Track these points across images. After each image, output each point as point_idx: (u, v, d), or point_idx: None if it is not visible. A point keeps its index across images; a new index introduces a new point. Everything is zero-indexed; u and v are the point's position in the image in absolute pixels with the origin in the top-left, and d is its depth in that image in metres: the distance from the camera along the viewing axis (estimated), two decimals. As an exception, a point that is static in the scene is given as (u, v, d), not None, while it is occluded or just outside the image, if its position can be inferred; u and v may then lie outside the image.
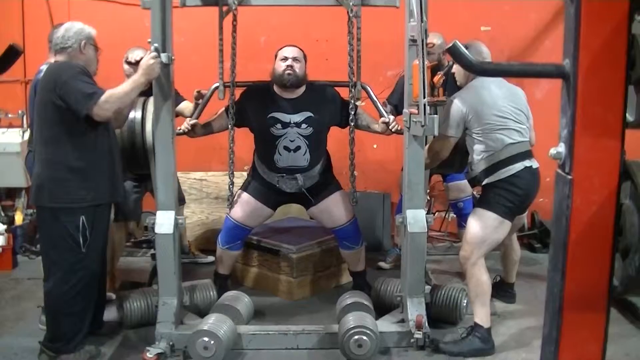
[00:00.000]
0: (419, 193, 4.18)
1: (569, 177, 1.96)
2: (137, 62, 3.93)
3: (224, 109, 4.67)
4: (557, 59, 2.08)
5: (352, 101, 4.47)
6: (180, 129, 4.48)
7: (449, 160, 4.53)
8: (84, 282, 3.78)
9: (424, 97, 3.42)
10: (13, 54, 2.57)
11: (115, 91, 3.63)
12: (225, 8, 4.37)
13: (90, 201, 3.74)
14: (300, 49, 4.67)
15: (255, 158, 4.88)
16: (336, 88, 4.77)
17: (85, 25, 3.89)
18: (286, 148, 4.60)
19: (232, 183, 4.63)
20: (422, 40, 3.45)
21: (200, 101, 4.72)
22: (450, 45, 2.08)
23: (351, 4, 4.22)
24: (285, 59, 4.57)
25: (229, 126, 4.54)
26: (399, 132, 4.42)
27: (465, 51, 2.08)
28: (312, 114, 4.60)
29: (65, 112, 3.61)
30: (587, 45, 1.89)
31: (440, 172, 5.29)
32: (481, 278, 3.99)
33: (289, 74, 4.54)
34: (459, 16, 6.24)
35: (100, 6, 6.38)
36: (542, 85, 6.43)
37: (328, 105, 4.70)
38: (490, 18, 6.42)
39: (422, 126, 3.47)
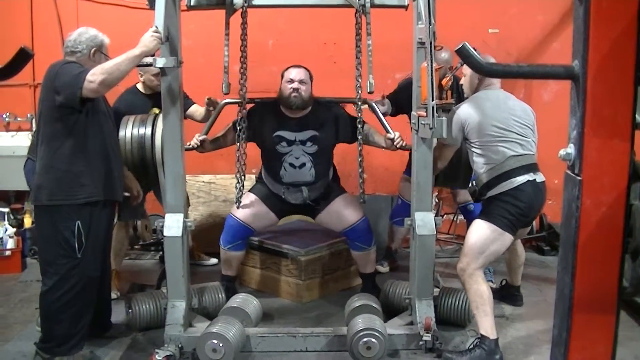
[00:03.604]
0: (428, 195, 4.17)
1: (579, 178, 1.96)
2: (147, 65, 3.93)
3: (231, 123, 4.72)
4: (566, 60, 2.08)
5: (359, 116, 4.45)
6: (189, 145, 4.55)
7: (454, 174, 4.57)
8: (79, 287, 3.77)
9: (433, 100, 3.41)
10: (24, 56, 2.59)
11: (105, 63, 3.61)
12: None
13: (86, 197, 3.72)
14: (307, 70, 4.71)
15: (263, 169, 4.97)
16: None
17: (100, 32, 3.89)
18: (291, 165, 4.70)
19: (242, 185, 4.61)
20: (431, 43, 3.45)
21: (212, 108, 4.81)
22: (460, 46, 2.09)
23: (359, 3, 4.19)
24: (292, 81, 4.62)
25: (237, 139, 4.53)
26: (404, 148, 4.48)
27: (475, 52, 2.08)
28: (317, 133, 4.69)
29: (61, 109, 3.62)
30: (596, 46, 1.89)
31: (447, 186, 5.30)
32: (480, 288, 3.92)
33: (295, 96, 4.60)
34: (467, 18, 6.24)
35: (108, 9, 6.41)
36: (551, 87, 6.43)
37: (334, 124, 4.77)
38: (498, 20, 6.42)
39: (431, 129, 3.47)
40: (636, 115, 1.93)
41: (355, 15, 4.24)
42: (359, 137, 4.45)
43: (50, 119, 3.69)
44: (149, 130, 4.45)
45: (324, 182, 4.87)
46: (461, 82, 4.40)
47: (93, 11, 6.41)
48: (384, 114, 4.82)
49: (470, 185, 4.24)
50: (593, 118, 1.92)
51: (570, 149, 2.01)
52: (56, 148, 3.69)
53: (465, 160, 4.45)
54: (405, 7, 4.20)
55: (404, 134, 4.54)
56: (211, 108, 4.93)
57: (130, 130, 4.46)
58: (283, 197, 4.81)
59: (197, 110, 5.34)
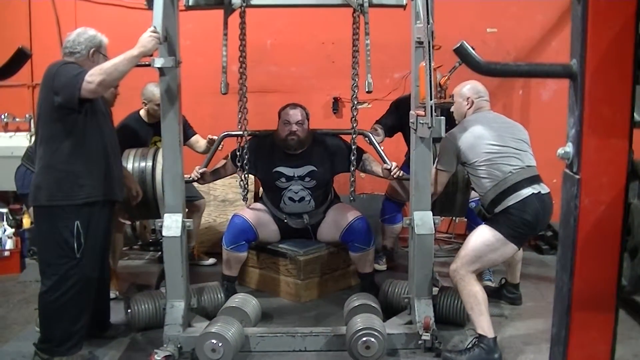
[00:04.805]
0: (426, 194, 4.17)
1: (577, 176, 1.95)
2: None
3: (229, 155, 4.79)
4: (564, 59, 2.08)
5: (355, 146, 4.44)
6: (190, 177, 4.59)
7: (450, 203, 4.59)
8: (78, 287, 3.76)
9: (431, 99, 3.41)
10: (22, 56, 2.58)
11: (103, 64, 3.60)
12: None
13: (85, 198, 3.72)
14: (303, 108, 4.78)
15: (264, 195, 5.09)
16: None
17: (99, 33, 3.89)
18: (291, 199, 4.83)
19: (247, 184, 4.61)
20: (429, 42, 3.45)
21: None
22: (458, 45, 2.08)
23: (357, 3, 4.18)
24: (288, 123, 4.69)
25: (237, 171, 4.60)
26: (401, 177, 4.51)
27: (472, 51, 2.08)
28: (315, 168, 4.78)
29: (59, 110, 3.61)
30: (594, 45, 1.89)
31: (444, 216, 5.33)
32: (473, 289, 3.91)
33: (292, 139, 4.70)
34: (465, 18, 6.25)
35: (106, 9, 6.41)
36: (549, 86, 6.44)
37: (332, 157, 4.84)
38: (496, 19, 6.42)
39: (429, 128, 3.47)
40: (634, 114, 1.93)
41: (353, 15, 4.23)
42: (354, 165, 4.47)
43: (49, 119, 3.68)
44: (149, 164, 4.51)
45: (324, 207, 5.00)
46: (451, 109, 4.40)
47: (91, 11, 6.41)
48: (380, 143, 4.85)
49: (475, 205, 4.25)
50: (591, 117, 1.92)
51: (569, 148, 2.00)
52: (55, 148, 3.68)
53: (461, 188, 4.48)
54: (404, 7, 4.20)
55: (401, 149, 4.55)
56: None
57: (131, 164, 4.52)
58: (284, 221, 4.95)
59: (198, 141, 5.42)
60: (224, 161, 4.87)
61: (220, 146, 4.84)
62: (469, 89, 4.26)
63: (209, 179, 4.84)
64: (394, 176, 4.50)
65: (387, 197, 5.65)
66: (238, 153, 4.47)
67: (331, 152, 4.84)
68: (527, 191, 3.89)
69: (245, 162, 4.46)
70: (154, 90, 5.03)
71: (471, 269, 3.94)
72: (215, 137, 4.94)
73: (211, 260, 5.91)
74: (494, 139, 4.01)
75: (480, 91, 4.27)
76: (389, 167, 4.49)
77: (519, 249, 4.16)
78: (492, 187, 3.97)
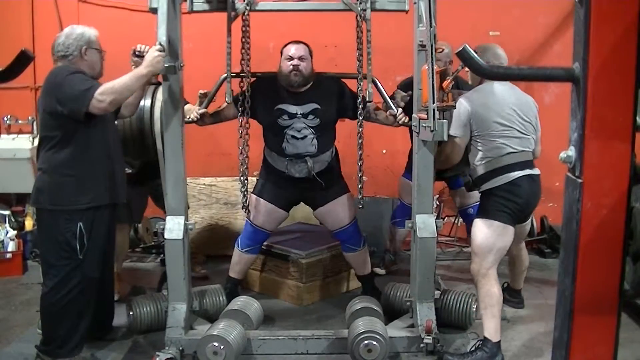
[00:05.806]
0: (429, 198, 4.17)
1: (579, 180, 1.95)
2: (142, 56, 3.88)
3: (232, 98, 4.57)
4: (566, 63, 2.08)
5: (361, 95, 4.38)
6: (189, 118, 4.44)
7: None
8: (80, 288, 3.78)
9: (434, 102, 3.41)
10: (24, 59, 2.59)
11: (114, 83, 3.59)
12: (233, 13, 4.32)
13: (89, 203, 3.74)
14: (306, 45, 4.62)
15: (265, 149, 4.85)
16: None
17: (86, 28, 3.87)
18: (293, 137, 4.59)
19: (246, 189, 4.55)
20: (431, 45, 3.45)
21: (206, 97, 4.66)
22: (460, 49, 2.08)
23: (360, 8, 4.19)
24: (291, 58, 4.52)
25: (238, 116, 4.45)
26: (406, 124, 4.41)
27: (475, 55, 2.07)
28: (318, 106, 4.59)
29: (62, 117, 3.62)
30: (596, 48, 1.89)
31: (447, 174, 5.29)
32: (491, 289, 3.94)
33: (295, 74, 4.50)
34: (468, 21, 6.24)
35: (109, 12, 6.41)
36: (552, 90, 6.43)
37: (335, 98, 4.67)
38: (499, 23, 6.41)
39: (432, 131, 3.47)
40: (636, 118, 1.93)
41: (356, 18, 4.23)
42: (360, 117, 4.41)
43: (51, 124, 3.69)
44: (147, 102, 4.43)
45: (327, 156, 4.76)
46: (466, 69, 4.36)
47: (94, 13, 6.41)
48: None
49: (474, 211, 4.26)
50: (593, 120, 1.92)
51: (571, 152, 2.00)
52: (58, 153, 3.69)
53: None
54: (406, 12, 4.20)
55: (405, 136, 4.52)
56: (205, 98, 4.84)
57: None
58: (286, 171, 4.68)
59: (189, 108, 5.31)
60: (226, 104, 4.64)
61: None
62: (491, 53, 4.18)
63: (209, 120, 4.64)
64: (399, 122, 4.41)
65: (400, 200, 5.61)
66: (241, 97, 4.40)
67: (336, 94, 4.68)
68: (517, 173, 3.93)
69: (246, 101, 4.39)
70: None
71: (488, 264, 3.96)
72: (206, 91, 4.76)
73: (203, 272, 5.69)
74: (502, 117, 3.98)
75: (501, 56, 4.17)
76: (394, 112, 4.41)
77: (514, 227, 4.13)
78: (484, 163, 3.99)
